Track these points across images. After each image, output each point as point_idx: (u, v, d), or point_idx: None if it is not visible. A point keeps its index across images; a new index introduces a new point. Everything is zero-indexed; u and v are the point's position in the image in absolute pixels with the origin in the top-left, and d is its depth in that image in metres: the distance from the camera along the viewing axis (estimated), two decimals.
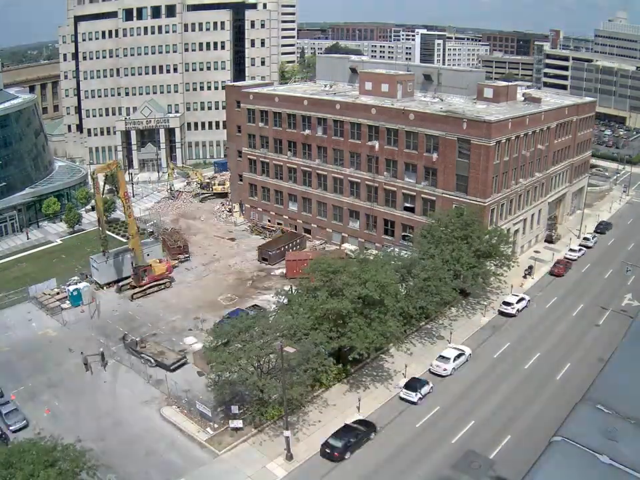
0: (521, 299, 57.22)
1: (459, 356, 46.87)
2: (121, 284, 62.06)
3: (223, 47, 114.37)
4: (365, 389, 44.08)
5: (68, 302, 58.43)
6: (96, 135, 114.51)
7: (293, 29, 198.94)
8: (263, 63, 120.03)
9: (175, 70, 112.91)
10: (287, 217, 78.16)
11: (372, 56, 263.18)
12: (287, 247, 69.62)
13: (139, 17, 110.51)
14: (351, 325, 41.98)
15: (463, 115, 59.90)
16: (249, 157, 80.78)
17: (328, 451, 36.89)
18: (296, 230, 77.08)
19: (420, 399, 42.22)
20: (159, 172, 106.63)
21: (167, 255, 68.93)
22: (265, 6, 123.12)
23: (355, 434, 37.83)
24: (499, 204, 62.28)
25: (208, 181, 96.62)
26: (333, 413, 41.31)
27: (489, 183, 59.42)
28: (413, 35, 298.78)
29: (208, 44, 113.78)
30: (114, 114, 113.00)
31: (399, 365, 46.64)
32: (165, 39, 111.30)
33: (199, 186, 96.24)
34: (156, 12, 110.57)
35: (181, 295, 61.35)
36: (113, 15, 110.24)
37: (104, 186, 64.75)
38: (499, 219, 62.73)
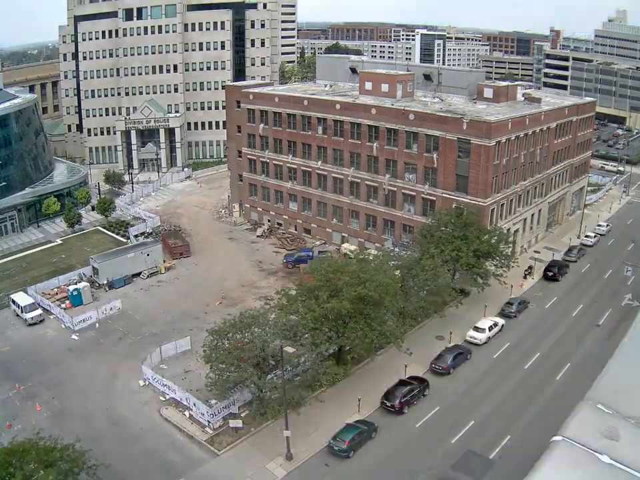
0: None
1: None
2: None
3: (223, 47, 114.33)
4: (365, 389, 44.04)
5: (68, 301, 58.59)
6: (96, 135, 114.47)
7: (293, 29, 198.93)
8: (263, 63, 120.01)
9: (175, 70, 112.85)
10: (286, 217, 78.16)
11: (372, 56, 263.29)
12: None
13: (139, 16, 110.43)
14: (351, 325, 41.99)
15: (463, 115, 59.90)
16: (248, 157, 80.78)
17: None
18: (296, 229, 77.11)
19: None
20: (158, 172, 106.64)
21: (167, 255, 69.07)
22: (265, 6, 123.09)
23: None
24: (498, 204, 62.27)
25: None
26: (333, 412, 41.28)
27: (488, 183, 59.40)
28: (413, 35, 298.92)
29: (208, 44, 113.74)
30: (114, 114, 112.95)
31: (399, 364, 46.61)
32: (165, 38, 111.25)
33: None
34: (156, 12, 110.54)
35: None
36: (113, 14, 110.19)
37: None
38: (498, 218, 62.71)
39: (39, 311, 55.52)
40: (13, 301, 56.81)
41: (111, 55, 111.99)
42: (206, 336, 41.35)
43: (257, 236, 76.99)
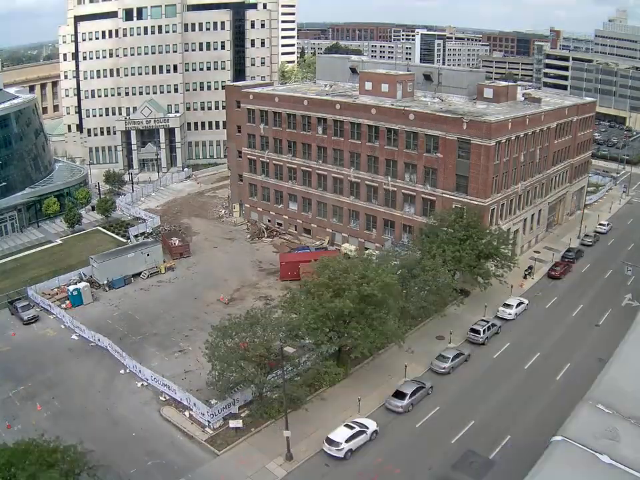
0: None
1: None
2: None
3: (223, 47, 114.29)
4: (365, 389, 44.03)
5: (68, 301, 58.60)
6: (96, 135, 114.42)
7: (293, 29, 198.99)
8: (263, 63, 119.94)
9: (175, 70, 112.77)
10: (286, 217, 78.17)
11: (372, 56, 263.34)
12: None
13: (139, 16, 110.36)
14: (352, 325, 41.98)
15: (463, 115, 59.89)
16: (248, 157, 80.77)
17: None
18: (296, 230, 77.10)
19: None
20: (158, 172, 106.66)
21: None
22: (265, 6, 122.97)
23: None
24: (499, 204, 62.27)
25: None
26: (333, 412, 41.29)
27: (489, 183, 59.40)
28: (413, 35, 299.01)
29: (208, 44, 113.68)
30: (114, 114, 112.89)
31: (399, 363, 46.63)
32: (164, 38, 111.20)
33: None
34: (156, 12, 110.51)
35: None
36: (113, 14, 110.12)
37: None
38: (499, 219, 62.72)
39: None
40: None
41: (111, 55, 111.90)
42: (209, 332, 41.21)
43: (257, 238, 77.08)
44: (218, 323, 42.59)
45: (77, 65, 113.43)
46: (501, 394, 43.54)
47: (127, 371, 47.20)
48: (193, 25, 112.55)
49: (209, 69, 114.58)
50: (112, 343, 49.85)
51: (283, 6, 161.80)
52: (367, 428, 38.58)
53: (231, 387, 40.67)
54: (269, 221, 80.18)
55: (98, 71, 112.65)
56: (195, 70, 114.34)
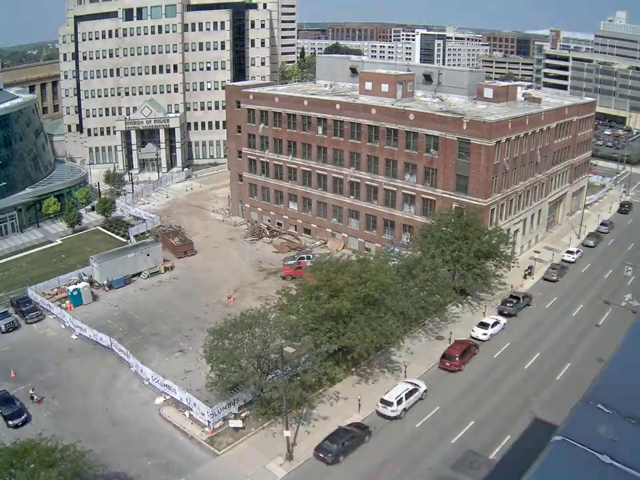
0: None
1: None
2: None
3: (223, 47, 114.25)
4: (365, 389, 44.03)
5: (68, 301, 58.58)
6: (96, 135, 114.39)
7: (293, 29, 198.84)
8: (263, 63, 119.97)
9: (175, 70, 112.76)
10: (286, 217, 78.17)
11: (372, 56, 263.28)
12: None
13: (139, 16, 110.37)
14: (351, 325, 41.98)
15: (463, 115, 59.89)
16: (248, 157, 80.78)
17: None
18: (296, 230, 77.08)
19: None
20: (159, 172, 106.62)
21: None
22: (265, 6, 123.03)
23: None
24: (498, 204, 62.28)
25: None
26: (333, 412, 41.31)
27: (489, 183, 59.42)
28: (413, 35, 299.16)
29: (208, 44, 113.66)
30: (114, 114, 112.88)
31: (399, 364, 46.66)
32: (164, 38, 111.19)
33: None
34: (156, 12, 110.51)
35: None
36: (113, 14, 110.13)
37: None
38: (499, 219, 62.73)
39: None
40: None
41: (111, 55, 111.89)
42: (206, 336, 41.38)
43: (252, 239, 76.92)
44: (215, 324, 42.60)
45: (77, 65, 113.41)
46: (500, 394, 43.54)
47: (127, 370, 47.24)
48: (193, 24, 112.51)
49: (209, 69, 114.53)
50: (115, 341, 49.87)
51: (283, 6, 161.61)
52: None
53: (231, 388, 40.67)
54: (269, 220, 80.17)
55: (98, 71, 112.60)
56: (195, 70, 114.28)
